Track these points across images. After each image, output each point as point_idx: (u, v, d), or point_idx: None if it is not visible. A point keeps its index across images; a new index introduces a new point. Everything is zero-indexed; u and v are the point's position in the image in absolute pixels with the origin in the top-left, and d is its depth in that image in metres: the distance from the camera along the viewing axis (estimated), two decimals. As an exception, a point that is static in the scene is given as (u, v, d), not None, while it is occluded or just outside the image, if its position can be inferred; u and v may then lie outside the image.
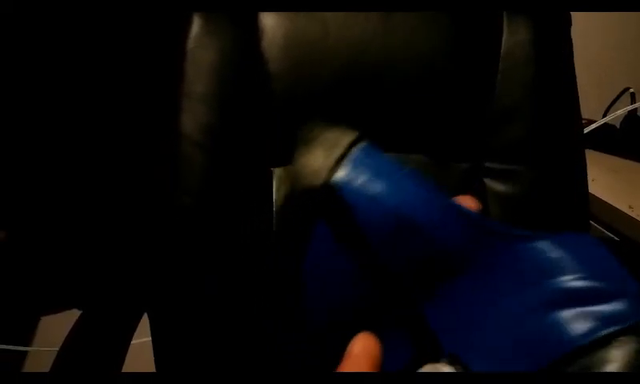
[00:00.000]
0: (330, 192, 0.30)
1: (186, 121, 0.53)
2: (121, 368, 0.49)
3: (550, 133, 0.59)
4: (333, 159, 0.30)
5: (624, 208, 0.66)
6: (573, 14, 0.62)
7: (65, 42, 0.64)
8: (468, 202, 0.31)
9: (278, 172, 0.54)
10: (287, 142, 0.55)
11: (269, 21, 0.53)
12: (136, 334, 0.59)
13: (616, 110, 0.90)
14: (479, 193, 0.57)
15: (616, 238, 0.68)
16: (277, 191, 0.54)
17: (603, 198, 0.69)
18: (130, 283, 0.55)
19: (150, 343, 0.55)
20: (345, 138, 0.30)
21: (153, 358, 0.55)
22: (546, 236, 0.28)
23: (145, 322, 0.55)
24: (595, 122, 0.90)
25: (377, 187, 0.29)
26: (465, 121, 0.58)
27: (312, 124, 0.32)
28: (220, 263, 0.53)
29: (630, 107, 0.89)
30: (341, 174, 0.29)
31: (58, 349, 0.52)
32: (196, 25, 0.53)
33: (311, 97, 0.54)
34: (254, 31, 0.53)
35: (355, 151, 0.30)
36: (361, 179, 0.29)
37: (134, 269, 0.55)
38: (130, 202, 0.61)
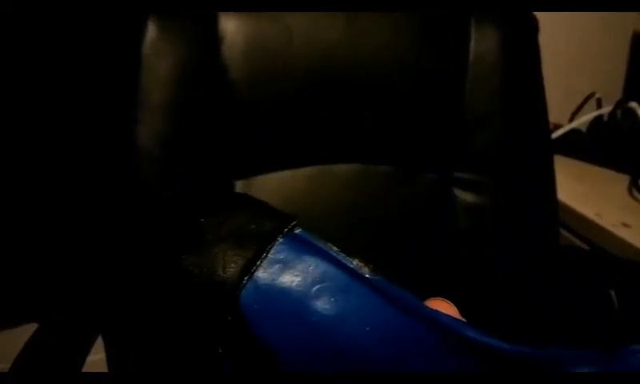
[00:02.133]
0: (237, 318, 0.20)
1: (141, 133, 0.50)
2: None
3: (519, 141, 0.58)
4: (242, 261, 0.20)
5: (591, 215, 0.66)
6: (540, 19, 0.62)
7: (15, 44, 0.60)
8: (443, 306, 0.23)
9: (239, 185, 0.52)
10: (250, 153, 0.52)
11: (229, 25, 0.51)
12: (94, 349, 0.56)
13: (582, 115, 0.91)
14: (448, 204, 0.56)
15: (585, 247, 0.68)
16: (238, 205, 0.52)
17: (570, 205, 0.69)
18: (88, 297, 0.51)
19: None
20: (265, 223, 0.21)
21: None
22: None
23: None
24: (562, 126, 0.90)
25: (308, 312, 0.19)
26: (433, 130, 0.56)
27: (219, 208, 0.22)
28: (176, 283, 0.50)
29: (595, 113, 0.89)
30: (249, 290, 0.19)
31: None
32: (151, 29, 0.49)
33: (274, 105, 0.51)
34: (213, 36, 0.51)
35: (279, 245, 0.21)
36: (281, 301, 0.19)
37: (92, 283, 0.51)
38: (88, 216, 0.57)
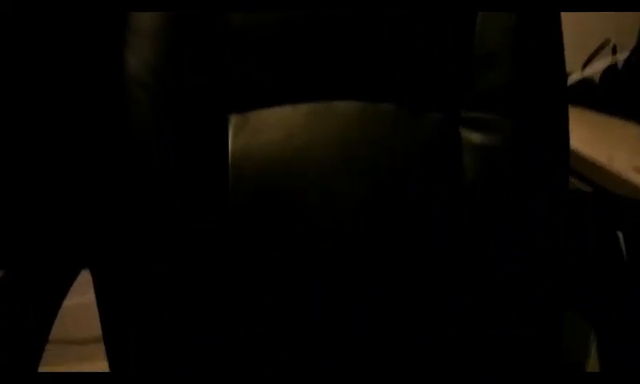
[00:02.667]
0: None
1: (131, 59, 0.47)
2: (48, 333, 0.44)
3: (533, 81, 0.55)
4: None
5: (602, 160, 0.63)
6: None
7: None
8: None
9: (234, 119, 0.49)
10: (246, 85, 0.49)
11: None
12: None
13: (596, 63, 0.87)
14: (454, 148, 0.53)
15: (588, 189, 0.66)
16: (233, 141, 0.49)
17: (581, 151, 0.66)
18: (65, 236, 0.49)
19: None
20: None
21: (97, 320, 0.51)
22: None
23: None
24: (574, 74, 0.86)
25: None
26: (440, 65, 0.53)
27: None
28: (171, 218, 0.48)
29: (610, 60, 0.85)
30: None
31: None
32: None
33: (272, 34, 0.48)
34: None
35: None
36: None
37: (69, 220, 0.49)
38: (70, 145, 0.54)
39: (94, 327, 0.51)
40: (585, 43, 0.92)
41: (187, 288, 0.49)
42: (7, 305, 0.44)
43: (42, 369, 0.45)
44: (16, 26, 0.48)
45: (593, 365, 0.62)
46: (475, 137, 0.54)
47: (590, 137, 0.70)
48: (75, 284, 0.54)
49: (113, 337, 0.50)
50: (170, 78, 0.47)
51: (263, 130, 0.49)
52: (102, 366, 0.52)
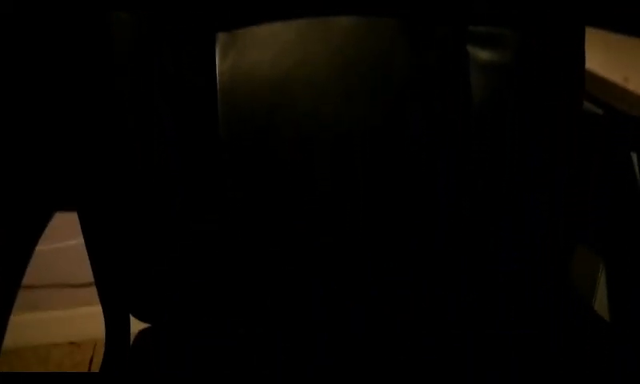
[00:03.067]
0: None
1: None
2: (22, 275, 0.42)
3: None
4: None
5: (619, 80, 0.59)
6: None
7: None
8: None
9: (222, 37, 0.45)
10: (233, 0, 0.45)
11: None
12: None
13: (610, -23, 0.81)
14: (461, 62, 0.49)
15: (600, 111, 0.62)
16: (221, 62, 0.45)
17: (596, 71, 0.62)
18: (33, 174, 0.46)
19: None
20: None
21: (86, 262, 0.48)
22: None
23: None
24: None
25: None
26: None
27: None
28: (156, 147, 0.45)
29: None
30: None
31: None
32: None
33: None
34: None
35: None
36: None
37: (40, 155, 0.46)
38: (60, 84, 0.50)
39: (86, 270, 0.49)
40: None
41: (187, 286, 0.48)
42: None
43: (33, 313, 0.43)
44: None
45: (600, 298, 0.61)
46: (482, 54, 0.49)
47: (605, 58, 0.66)
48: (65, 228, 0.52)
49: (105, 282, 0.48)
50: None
51: (252, 48, 0.45)
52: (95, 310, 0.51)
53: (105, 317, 0.50)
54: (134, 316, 0.49)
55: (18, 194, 0.44)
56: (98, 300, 0.50)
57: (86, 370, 0.94)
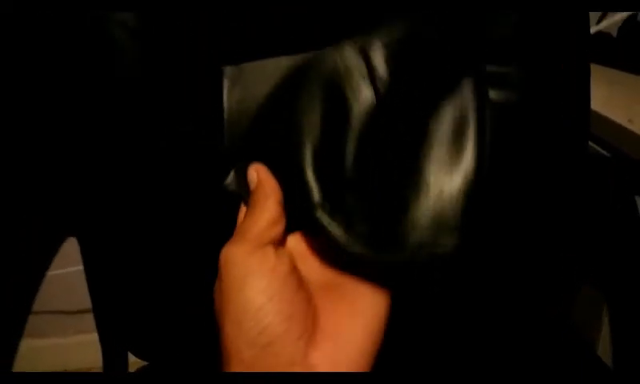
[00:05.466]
0: None
1: (113, 24, 0.43)
2: (32, 301, 0.41)
3: (551, 30, 0.50)
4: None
5: (623, 122, 0.59)
6: None
7: None
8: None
9: (229, 71, 0.45)
10: (239, 33, 0.45)
11: None
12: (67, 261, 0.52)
13: (613, 16, 0.82)
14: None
15: (607, 154, 0.62)
16: (228, 95, 0.45)
17: (599, 111, 0.62)
18: (48, 201, 0.46)
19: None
20: None
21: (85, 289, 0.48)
22: None
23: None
24: (589, 29, 0.81)
25: None
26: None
27: None
28: (160, 178, 0.44)
29: (627, 12, 0.80)
30: None
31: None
32: None
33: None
34: None
35: None
36: None
37: (52, 183, 0.45)
38: (61, 98, 0.50)
39: (81, 297, 0.48)
40: (602, -5, 0.86)
41: (188, 325, 0.47)
42: None
43: (27, 340, 0.42)
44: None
45: (604, 343, 0.60)
46: (492, 94, 0.49)
47: (608, 96, 0.66)
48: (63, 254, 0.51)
49: (102, 308, 0.47)
50: (159, 23, 0.42)
51: (259, 82, 0.45)
52: (89, 338, 0.50)
53: (102, 348, 0.49)
54: (132, 353, 0.49)
55: (31, 216, 0.43)
56: (92, 328, 0.49)
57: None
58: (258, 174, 0.34)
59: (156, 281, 0.46)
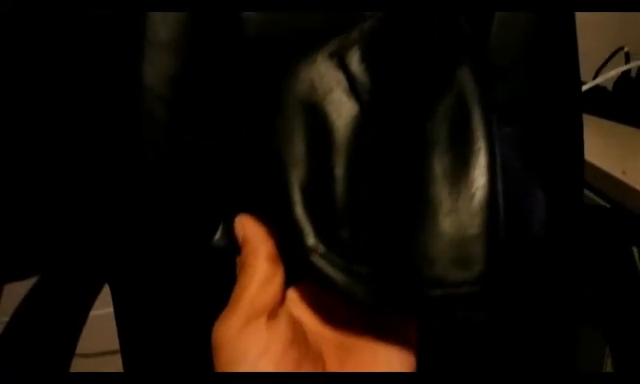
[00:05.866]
0: None
1: (148, 71, 0.47)
2: (78, 338, 0.45)
3: (547, 92, 0.55)
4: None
5: (617, 173, 0.63)
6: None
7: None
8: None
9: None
10: (262, 98, 0.50)
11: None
12: (99, 303, 0.55)
13: (608, 71, 0.86)
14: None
15: (607, 205, 0.66)
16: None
17: (595, 163, 0.66)
18: (92, 249, 0.50)
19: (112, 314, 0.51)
20: None
21: (114, 330, 0.51)
22: None
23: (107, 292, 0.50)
24: (586, 83, 0.86)
25: None
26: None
27: None
28: (187, 229, 0.48)
29: (623, 68, 0.85)
30: None
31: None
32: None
33: (290, 42, 0.48)
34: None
35: None
36: None
37: (96, 234, 0.50)
38: (90, 160, 0.55)
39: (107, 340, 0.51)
40: (597, 51, 0.91)
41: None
42: (42, 310, 0.44)
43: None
44: (31, 36, 0.48)
45: None
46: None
47: (605, 148, 0.70)
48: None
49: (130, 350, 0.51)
50: (187, 89, 0.47)
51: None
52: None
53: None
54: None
55: (80, 263, 0.47)
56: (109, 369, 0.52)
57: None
58: (244, 229, 0.31)
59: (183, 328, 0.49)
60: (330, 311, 0.31)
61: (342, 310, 0.31)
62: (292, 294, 0.31)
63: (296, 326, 0.29)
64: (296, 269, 0.30)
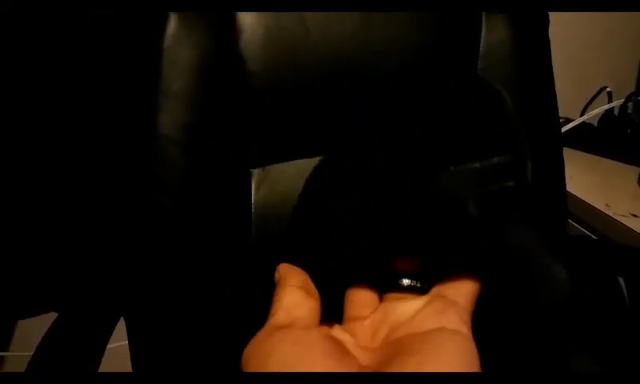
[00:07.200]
0: None
1: (163, 120, 0.52)
2: (97, 371, 0.48)
3: (529, 132, 0.59)
4: None
5: (601, 206, 0.67)
6: (550, 13, 0.63)
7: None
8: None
9: (256, 173, 0.54)
10: (267, 142, 0.54)
11: (247, 19, 0.52)
12: (113, 337, 0.58)
13: (593, 109, 0.91)
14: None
15: (594, 237, 0.69)
16: (255, 192, 0.54)
17: (580, 196, 0.70)
18: (108, 285, 0.53)
19: (127, 347, 0.54)
20: None
21: (129, 362, 0.54)
22: None
23: (122, 325, 0.54)
24: (573, 120, 0.91)
25: None
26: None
27: None
28: (198, 266, 0.52)
29: (607, 106, 0.90)
30: None
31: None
32: (172, 24, 0.51)
33: (291, 94, 0.53)
34: (231, 28, 0.52)
35: None
36: None
37: (112, 271, 0.53)
38: (108, 203, 0.59)
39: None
40: (583, 90, 0.96)
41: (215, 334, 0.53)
42: (63, 344, 0.48)
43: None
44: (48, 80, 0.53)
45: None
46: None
47: (589, 181, 0.74)
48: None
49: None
50: (200, 136, 0.51)
51: (281, 181, 0.54)
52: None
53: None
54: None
55: (97, 300, 0.51)
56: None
57: None
58: (279, 271, 0.32)
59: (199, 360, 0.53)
60: (371, 340, 0.30)
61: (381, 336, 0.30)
62: (336, 333, 0.30)
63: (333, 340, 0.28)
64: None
